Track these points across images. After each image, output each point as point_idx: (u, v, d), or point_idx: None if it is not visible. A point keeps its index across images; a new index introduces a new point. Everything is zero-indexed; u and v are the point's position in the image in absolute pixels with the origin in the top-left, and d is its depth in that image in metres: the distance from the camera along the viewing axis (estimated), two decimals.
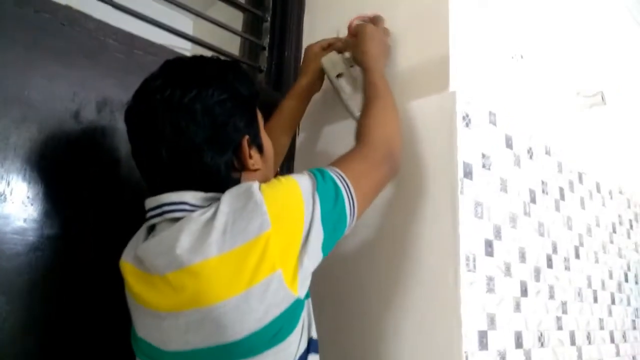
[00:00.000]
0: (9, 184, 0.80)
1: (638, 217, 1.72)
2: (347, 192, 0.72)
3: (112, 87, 0.94)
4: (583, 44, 1.53)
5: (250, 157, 0.74)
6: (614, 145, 1.66)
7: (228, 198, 0.65)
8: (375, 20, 1.06)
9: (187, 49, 1.36)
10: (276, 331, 0.63)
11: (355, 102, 1.04)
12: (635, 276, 1.62)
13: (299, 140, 1.26)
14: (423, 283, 0.91)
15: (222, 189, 0.67)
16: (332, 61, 1.08)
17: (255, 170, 0.75)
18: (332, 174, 0.73)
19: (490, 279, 0.94)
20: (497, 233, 0.98)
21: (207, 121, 0.69)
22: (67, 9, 0.91)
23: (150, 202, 0.71)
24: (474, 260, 0.90)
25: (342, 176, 0.73)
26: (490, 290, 0.93)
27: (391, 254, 0.96)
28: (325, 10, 1.31)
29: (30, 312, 0.80)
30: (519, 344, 0.98)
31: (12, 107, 0.81)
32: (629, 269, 1.57)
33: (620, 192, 1.61)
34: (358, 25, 1.05)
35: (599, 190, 1.47)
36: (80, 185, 0.88)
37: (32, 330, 0.80)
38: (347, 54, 1.09)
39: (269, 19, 1.35)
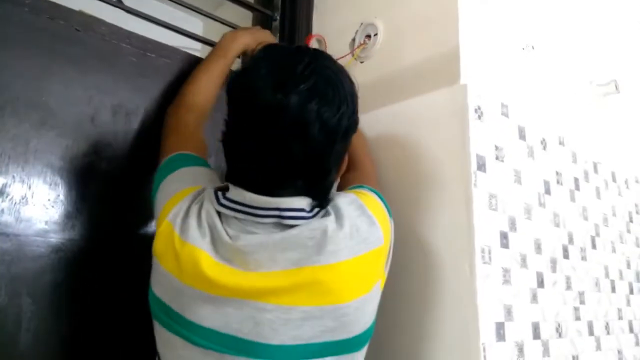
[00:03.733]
0: (30, 187, 0.82)
1: None
2: None
3: (126, 90, 0.95)
4: (595, 32, 1.52)
5: None
6: (629, 134, 1.64)
7: (343, 204, 0.70)
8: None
9: (197, 49, 1.37)
10: (372, 328, 0.72)
11: None
12: None
13: None
14: (439, 276, 0.91)
15: (321, 196, 0.72)
16: None
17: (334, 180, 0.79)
18: (376, 191, 0.82)
19: (506, 271, 0.94)
20: (512, 225, 0.98)
21: (342, 136, 0.70)
22: (81, 14, 0.92)
23: (258, 201, 0.67)
24: (490, 253, 0.90)
25: None
26: (507, 282, 0.93)
27: (406, 248, 0.97)
28: (335, 9, 1.31)
29: (55, 312, 0.82)
30: (536, 335, 0.98)
31: (31, 112, 0.83)
32: None
33: (637, 181, 1.59)
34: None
35: (614, 180, 1.45)
36: (99, 187, 0.90)
37: (56, 330, 0.82)
38: None
39: (278, 18, 1.36)
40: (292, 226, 0.67)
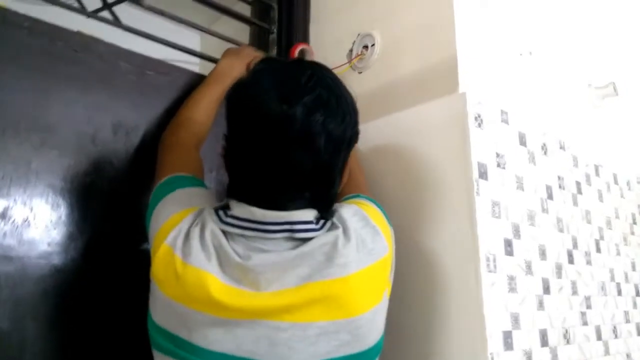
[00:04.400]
0: (31, 209, 0.82)
1: None
2: None
3: (125, 109, 0.96)
4: (592, 35, 1.52)
5: None
6: (630, 136, 1.64)
7: (348, 216, 0.71)
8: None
9: (196, 62, 1.38)
10: (382, 338, 0.72)
11: None
12: None
13: None
14: (444, 286, 0.91)
15: (325, 207, 0.72)
16: None
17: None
18: (372, 199, 0.83)
19: (511, 279, 0.93)
20: (516, 232, 0.98)
21: (346, 147, 0.72)
22: (79, 35, 0.93)
23: (267, 216, 0.66)
24: (494, 261, 0.90)
25: None
26: (512, 289, 0.93)
27: (410, 259, 0.96)
28: (331, 21, 1.32)
29: (59, 334, 0.82)
30: (544, 342, 0.97)
31: (31, 133, 0.84)
32: None
33: (639, 182, 1.59)
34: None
35: (616, 182, 1.45)
36: (101, 206, 0.90)
37: (62, 353, 0.82)
38: None
39: (275, 31, 1.37)
40: (303, 240, 0.67)
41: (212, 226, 0.68)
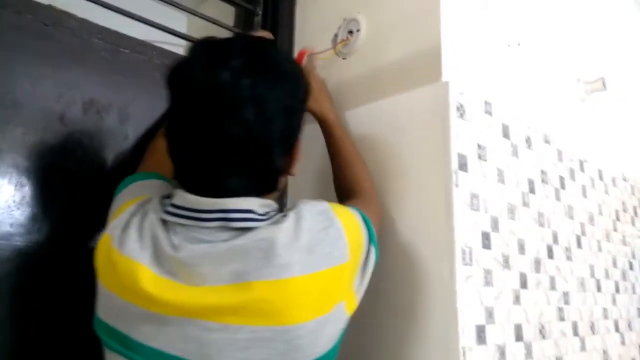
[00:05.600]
0: None
1: None
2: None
3: (98, 86, 0.92)
4: (582, 29, 1.50)
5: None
6: (617, 132, 1.63)
7: (308, 214, 0.65)
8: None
9: (181, 45, 1.35)
10: (335, 351, 0.66)
11: None
12: None
13: None
14: (419, 279, 0.89)
15: (269, 192, 0.68)
16: None
17: (291, 175, 0.74)
18: (365, 214, 0.76)
19: (487, 272, 0.92)
20: (495, 225, 0.96)
21: (283, 117, 0.66)
22: (49, 8, 0.89)
23: (202, 203, 0.63)
24: (471, 254, 0.88)
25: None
26: (488, 283, 0.92)
27: (385, 249, 0.94)
28: (317, 4, 1.28)
29: (20, 316, 0.79)
30: (519, 337, 0.97)
31: None
32: (633, 257, 1.55)
33: (624, 179, 1.58)
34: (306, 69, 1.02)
35: (601, 178, 1.44)
36: (67, 187, 0.87)
37: (21, 334, 0.79)
38: None
39: (260, 12, 1.33)
40: (240, 230, 0.62)
41: (152, 216, 0.65)
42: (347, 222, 0.68)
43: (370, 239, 0.75)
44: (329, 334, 0.63)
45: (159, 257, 0.62)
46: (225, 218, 0.62)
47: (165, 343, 0.60)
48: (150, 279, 0.60)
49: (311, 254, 0.61)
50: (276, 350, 0.58)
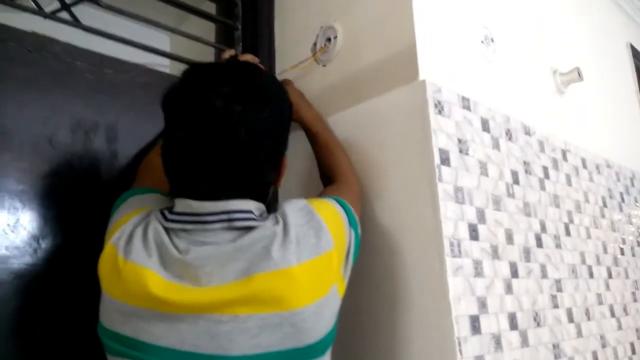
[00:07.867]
0: None
1: (629, 190, 1.72)
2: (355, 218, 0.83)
3: (84, 108, 0.94)
4: (555, 21, 1.54)
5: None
6: (597, 120, 1.66)
7: (291, 212, 0.71)
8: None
9: (166, 65, 1.37)
10: (332, 335, 0.72)
11: None
12: (632, 249, 1.62)
13: None
14: (409, 274, 0.91)
15: (262, 201, 0.74)
16: None
17: (277, 187, 0.81)
18: (342, 200, 0.82)
19: (477, 263, 0.94)
20: (481, 216, 0.98)
21: (271, 136, 0.73)
22: (33, 35, 0.91)
23: (205, 207, 0.68)
24: (459, 246, 0.90)
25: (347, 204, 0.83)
26: (479, 274, 0.93)
27: (375, 247, 0.96)
28: (295, 15, 1.32)
29: (18, 340, 0.80)
30: (513, 326, 0.98)
31: None
32: (624, 242, 1.57)
33: (608, 166, 1.61)
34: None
35: (585, 166, 1.47)
36: (60, 209, 0.88)
37: (20, 358, 0.80)
38: None
39: (240, 27, 1.36)
40: (244, 230, 0.67)
41: (156, 224, 0.69)
42: (326, 213, 0.75)
43: (350, 223, 0.80)
44: (328, 317, 0.70)
45: (165, 262, 0.66)
46: (229, 219, 0.67)
47: (177, 341, 0.64)
48: (159, 283, 0.64)
49: (300, 245, 0.68)
50: (285, 334, 0.64)
